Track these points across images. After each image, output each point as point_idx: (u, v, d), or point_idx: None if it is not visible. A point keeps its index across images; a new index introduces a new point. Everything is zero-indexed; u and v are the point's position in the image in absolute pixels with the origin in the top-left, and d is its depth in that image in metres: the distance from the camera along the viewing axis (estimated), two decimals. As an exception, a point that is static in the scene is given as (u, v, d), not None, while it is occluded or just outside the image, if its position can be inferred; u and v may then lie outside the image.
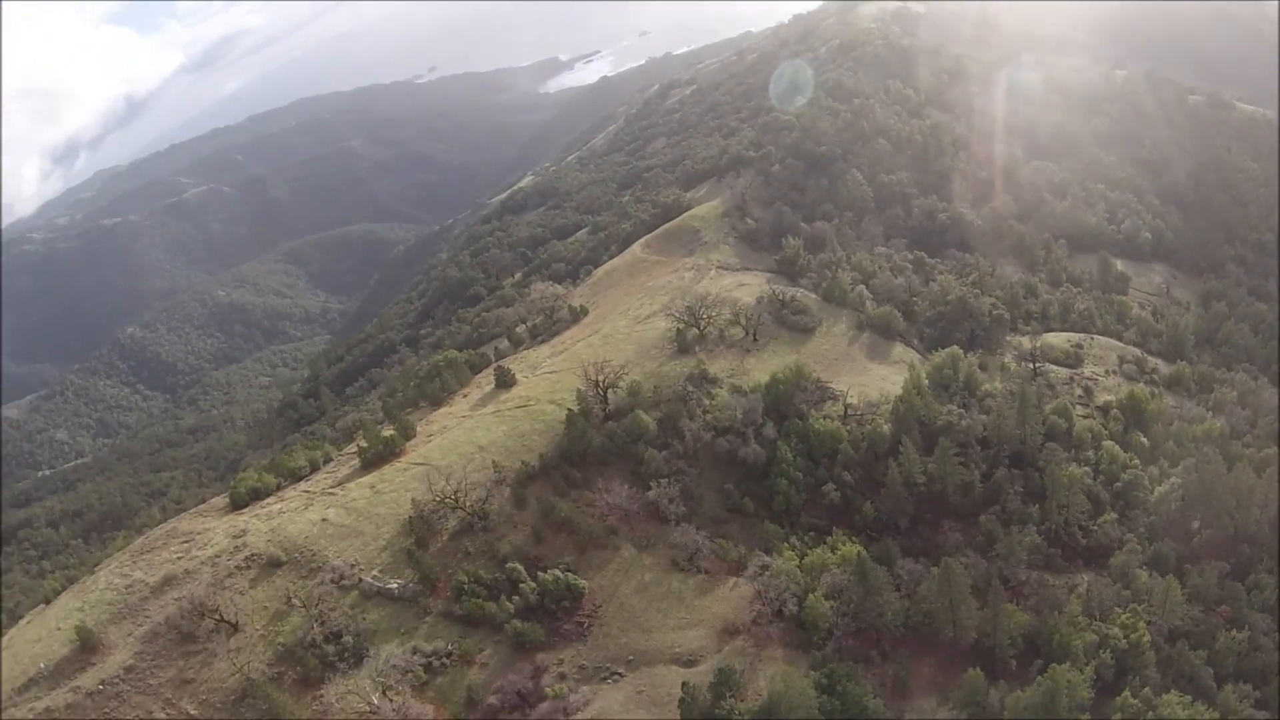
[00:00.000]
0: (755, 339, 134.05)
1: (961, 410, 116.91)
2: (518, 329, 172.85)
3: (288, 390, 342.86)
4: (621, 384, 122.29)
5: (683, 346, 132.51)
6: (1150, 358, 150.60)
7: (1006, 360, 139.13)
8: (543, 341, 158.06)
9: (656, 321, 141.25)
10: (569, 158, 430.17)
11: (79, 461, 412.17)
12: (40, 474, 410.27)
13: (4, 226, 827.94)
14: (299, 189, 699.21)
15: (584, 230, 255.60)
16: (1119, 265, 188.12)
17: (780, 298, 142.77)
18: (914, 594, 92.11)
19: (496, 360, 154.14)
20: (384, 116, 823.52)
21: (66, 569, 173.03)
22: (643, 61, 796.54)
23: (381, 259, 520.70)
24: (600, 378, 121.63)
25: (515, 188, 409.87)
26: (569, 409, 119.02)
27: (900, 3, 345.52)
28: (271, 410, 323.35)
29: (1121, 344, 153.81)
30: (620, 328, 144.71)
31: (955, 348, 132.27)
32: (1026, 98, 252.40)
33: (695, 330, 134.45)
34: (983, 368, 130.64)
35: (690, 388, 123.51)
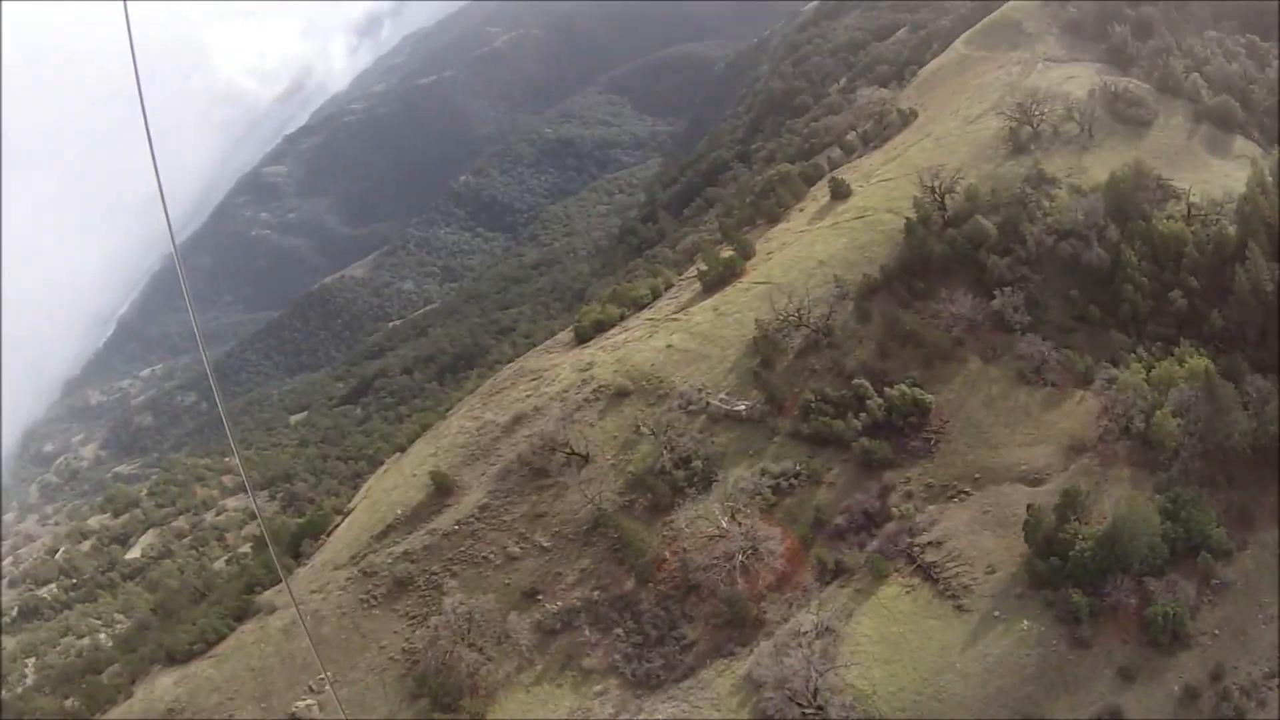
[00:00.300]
0: (1090, 134, 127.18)
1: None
2: (848, 136, 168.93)
3: (625, 216, 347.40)
4: (958, 188, 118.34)
5: (1017, 146, 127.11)
6: None
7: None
8: (874, 148, 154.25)
9: (988, 121, 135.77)
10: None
11: (428, 308, 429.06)
12: (390, 325, 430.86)
13: (320, 104, 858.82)
14: (611, 20, 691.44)
15: (903, 30, 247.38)
16: None
17: (1113, 89, 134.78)
18: (1262, 414, 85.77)
19: (830, 170, 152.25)
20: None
21: (423, 411, 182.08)
22: None
23: (703, 78, 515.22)
24: (936, 183, 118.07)
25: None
26: (907, 217, 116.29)
27: None
28: (612, 238, 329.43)
29: None
30: (951, 129, 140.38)
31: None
32: None
33: (1028, 128, 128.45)
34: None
35: (1028, 189, 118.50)
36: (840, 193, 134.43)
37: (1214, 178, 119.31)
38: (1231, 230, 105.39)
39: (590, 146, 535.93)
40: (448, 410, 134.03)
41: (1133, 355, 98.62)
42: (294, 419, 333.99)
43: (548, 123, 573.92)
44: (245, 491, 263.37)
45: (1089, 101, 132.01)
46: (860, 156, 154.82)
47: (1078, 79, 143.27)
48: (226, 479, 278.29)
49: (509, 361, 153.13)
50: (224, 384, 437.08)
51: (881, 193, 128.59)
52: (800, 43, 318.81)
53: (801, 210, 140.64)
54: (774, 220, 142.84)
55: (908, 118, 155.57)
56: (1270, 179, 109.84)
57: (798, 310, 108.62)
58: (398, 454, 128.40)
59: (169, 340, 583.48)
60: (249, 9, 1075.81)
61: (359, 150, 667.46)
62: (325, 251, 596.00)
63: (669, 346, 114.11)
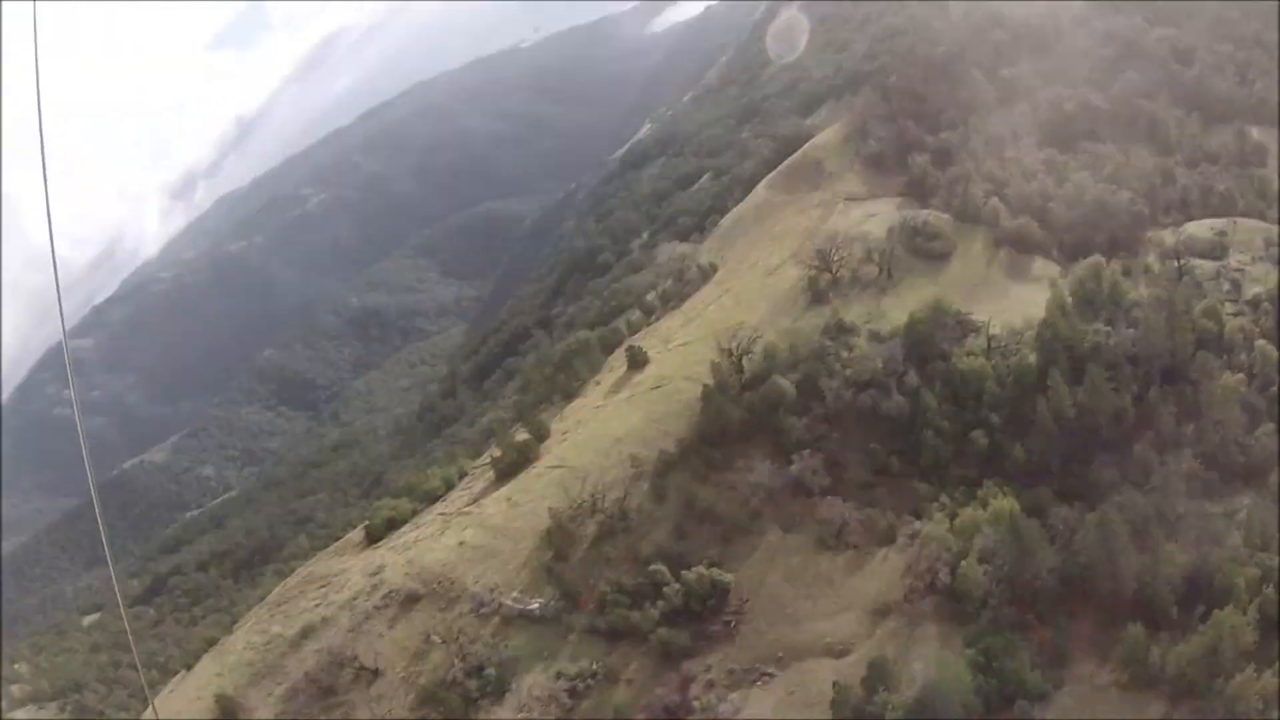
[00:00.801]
0: (890, 275, 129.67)
1: (1108, 328, 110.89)
2: (648, 297, 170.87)
3: (426, 391, 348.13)
4: (756, 349, 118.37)
5: (816, 295, 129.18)
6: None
7: (1149, 261, 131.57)
8: (674, 308, 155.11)
9: (787, 271, 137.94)
10: (684, 98, 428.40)
11: (226, 496, 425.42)
12: (188, 515, 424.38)
13: (131, 271, 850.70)
14: (421, 179, 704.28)
15: (706, 176, 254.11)
16: (1255, 133, 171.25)
17: (911, 224, 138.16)
18: (1069, 545, 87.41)
19: (629, 334, 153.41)
20: (495, 88, 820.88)
21: (217, 611, 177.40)
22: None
23: (510, 236, 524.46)
24: (733, 345, 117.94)
25: (634, 140, 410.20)
26: (704, 384, 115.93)
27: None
28: (412, 415, 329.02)
29: (1265, 224, 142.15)
30: (751, 283, 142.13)
31: (1097, 256, 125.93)
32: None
33: (827, 275, 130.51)
34: (1126, 273, 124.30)
35: (827, 341, 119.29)
36: (637, 362, 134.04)
37: (1014, 305, 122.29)
38: (1032, 359, 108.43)
39: (395, 315, 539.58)
40: (234, 624, 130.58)
41: (936, 504, 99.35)
42: (86, 621, 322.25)
43: (354, 291, 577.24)
44: (34, 703, 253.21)
45: (888, 240, 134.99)
46: (660, 318, 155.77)
47: (878, 216, 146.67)
48: (16, 689, 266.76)
49: (305, 557, 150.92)
50: (19, 579, 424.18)
51: (678, 359, 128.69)
52: (605, 195, 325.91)
53: (598, 383, 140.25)
54: (571, 396, 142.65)
55: (708, 272, 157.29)
56: (1069, 299, 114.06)
57: (591, 496, 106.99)
58: (184, 671, 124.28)
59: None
60: (67, 167, 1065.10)
61: (165, 322, 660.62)
62: (128, 432, 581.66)
63: (461, 544, 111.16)
